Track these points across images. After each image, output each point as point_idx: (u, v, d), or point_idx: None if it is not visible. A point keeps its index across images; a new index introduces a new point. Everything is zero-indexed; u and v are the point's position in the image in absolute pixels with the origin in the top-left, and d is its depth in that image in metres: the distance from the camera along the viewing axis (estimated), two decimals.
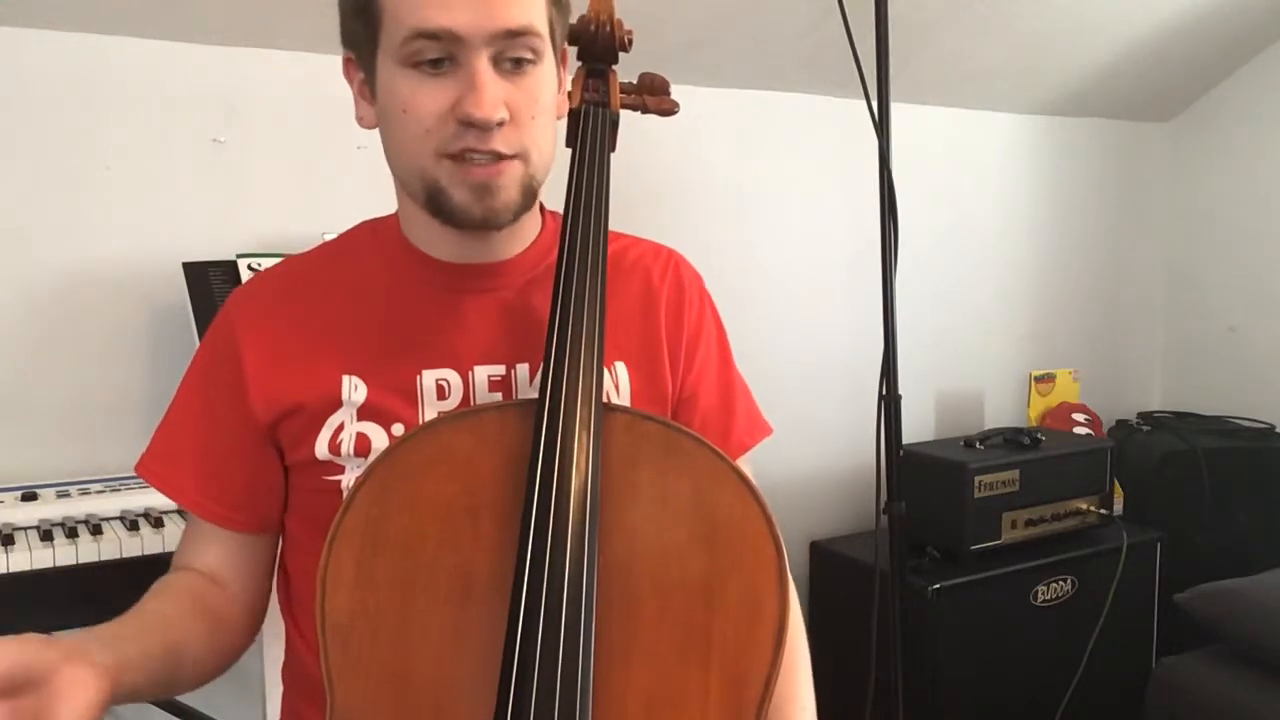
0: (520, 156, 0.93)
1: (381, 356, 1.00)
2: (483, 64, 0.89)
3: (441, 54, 0.89)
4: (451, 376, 1.00)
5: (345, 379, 0.98)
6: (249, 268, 1.89)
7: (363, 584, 0.82)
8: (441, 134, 0.90)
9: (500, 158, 0.91)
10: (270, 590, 1.09)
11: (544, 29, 0.93)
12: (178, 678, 0.93)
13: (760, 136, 2.75)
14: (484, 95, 0.88)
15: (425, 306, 1.02)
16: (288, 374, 0.99)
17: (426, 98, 0.90)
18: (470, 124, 0.89)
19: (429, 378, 0.99)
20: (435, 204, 0.94)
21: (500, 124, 0.89)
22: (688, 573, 0.85)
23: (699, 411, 1.10)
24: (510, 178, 0.92)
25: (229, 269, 1.90)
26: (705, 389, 1.11)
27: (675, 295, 1.11)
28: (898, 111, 1.99)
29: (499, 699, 0.78)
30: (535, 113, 0.93)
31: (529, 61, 0.92)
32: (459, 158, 0.91)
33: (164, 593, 0.98)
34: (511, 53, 0.91)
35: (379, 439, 0.97)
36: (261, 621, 1.07)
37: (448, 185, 0.92)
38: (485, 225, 0.94)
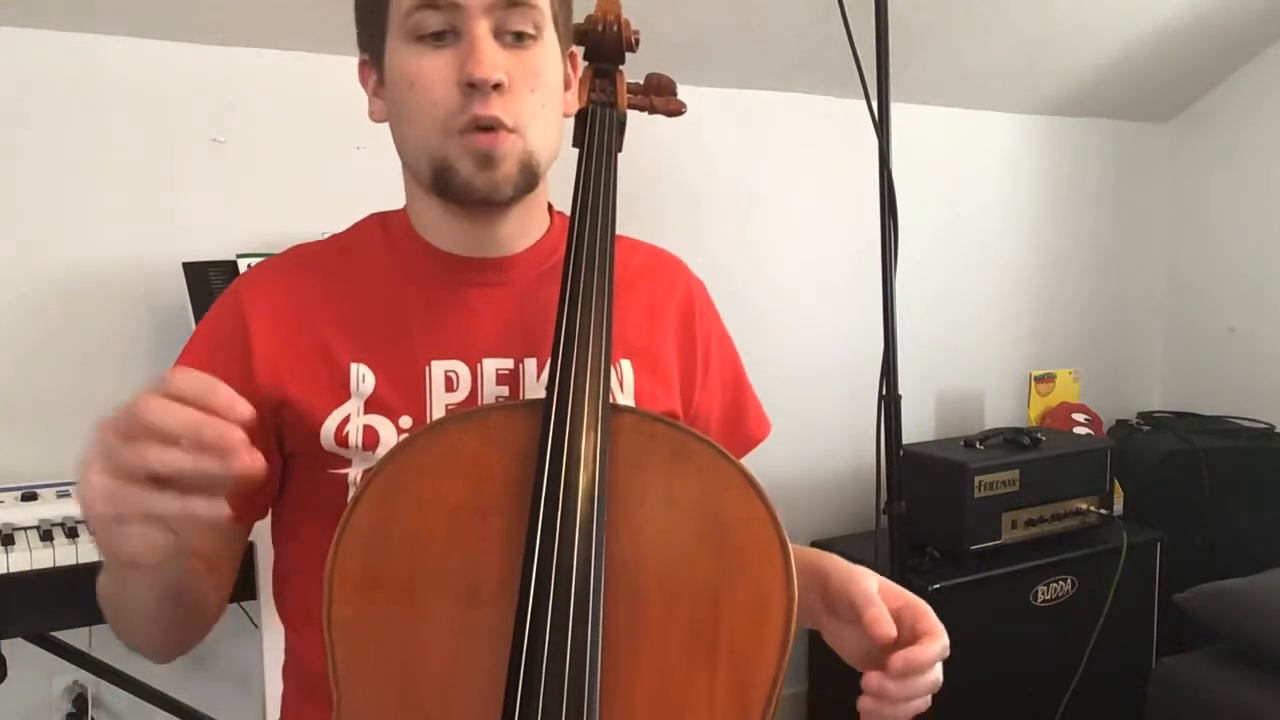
0: (517, 130, 0.94)
1: (389, 347, 0.99)
2: (482, 30, 0.92)
3: (443, 25, 0.92)
4: (460, 368, 1.00)
5: (354, 367, 0.98)
6: (249, 268, 1.89)
7: (370, 583, 0.82)
8: (448, 104, 0.92)
9: (500, 127, 0.93)
10: (233, 577, 1.07)
11: (544, 5, 0.95)
12: (176, 620, 0.95)
13: (760, 136, 2.75)
14: (483, 57, 0.91)
15: (434, 299, 1.02)
16: (295, 357, 0.98)
17: (432, 67, 0.93)
18: (472, 85, 0.91)
19: (437, 369, 0.99)
20: (442, 181, 0.95)
21: (498, 86, 0.91)
22: (695, 574, 0.85)
23: (715, 423, 1.13)
24: (509, 148, 0.94)
25: (229, 269, 1.90)
26: (719, 401, 1.14)
27: (685, 309, 1.12)
28: (898, 111, 2.00)
29: (506, 699, 0.78)
30: (534, 86, 0.95)
31: (529, 36, 0.94)
32: (466, 133, 0.93)
33: None
34: (510, 25, 0.93)
35: (387, 432, 0.97)
36: (220, 613, 1.05)
37: (455, 161, 0.94)
38: (487, 199, 0.95)
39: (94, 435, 0.68)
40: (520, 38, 0.94)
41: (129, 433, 0.67)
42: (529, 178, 0.96)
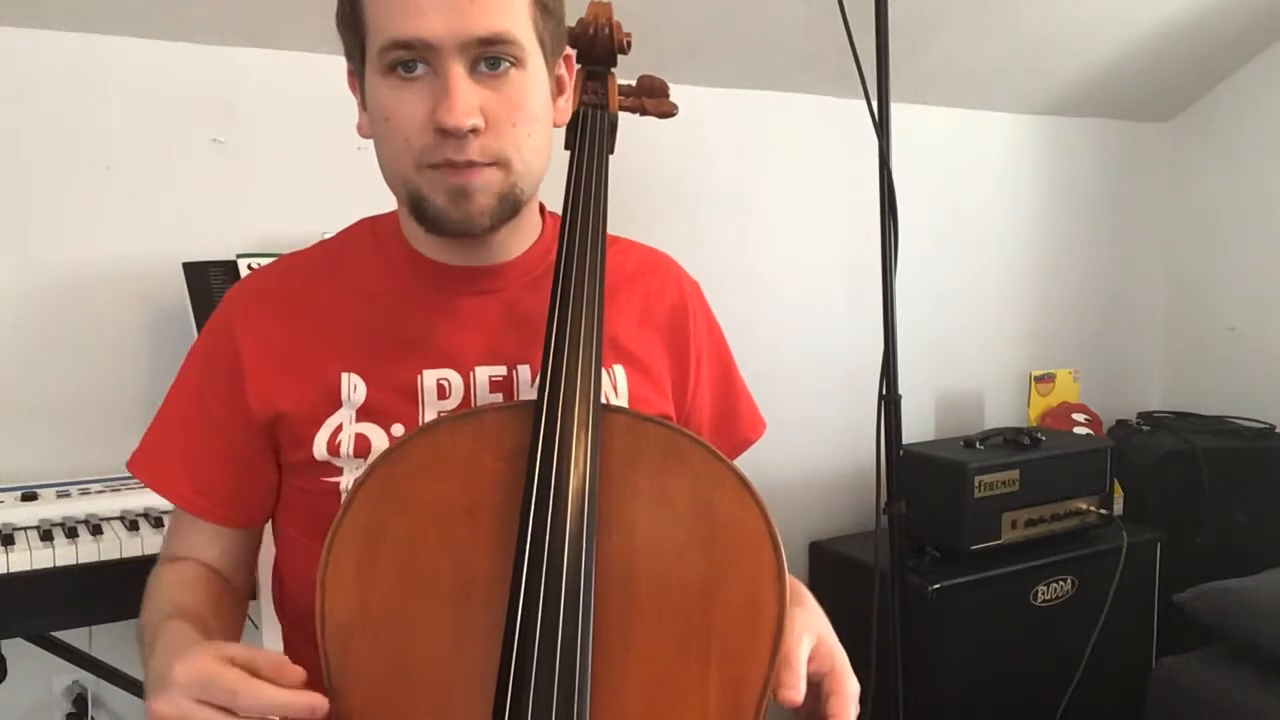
0: (499, 164, 0.92)
1: (381, 356, 1.00)
2: (456, 71, 0.89)
3: (415, 59, 0.90)
4: (452, 377, 1.00)
5: (345, 377, 0.98)
6: (249, 268, 1.89)
7: (363, 585, 0.82)
8: (421, 144, 0.91)
9: (474, 165, 0.91)
10: (253, 579, 1.09)
11: (523, 36, 0.92)
12: None
13: (760, 136, 2.75)
14: (456, 103, 0.88)
15: (425, 307, 1.02)
16: (287, 371, 0.99)
17: (405, 105, 0.91)
18: (445, 132, 0.89)
19: (430, 377, 0.99)
20: (419, 211, 0.94)
21: (474, 131, 0.89)
22: (686, 573, 0.85)
23: (707, 425, 1.13)
24: (485, 182, 0.92)
25: (229, 269, 1.90)
26: (712, 403, 1.15)
27: (679, 311, 1.12)
28: (898, 111, 1.99)
29: (497, 698, 0.78)
30: (517, 120, 0.92)
31: (509, 64, 0.91)
32: (438, 168, 0.91)
33: (192, 587, 0.99)
34: (488, 56, 0.91)
35: (379, 439, 0.98)
36: (246, 613, 1.08)
37: (429, 193, 0.92)
38: (464, 231, 0.94)
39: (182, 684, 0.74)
40: (497, 65, 0.91)
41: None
42: (510, 206, 0.95)
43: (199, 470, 1.01)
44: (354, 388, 0.98)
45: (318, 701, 0.75)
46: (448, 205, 0.92)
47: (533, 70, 0.94)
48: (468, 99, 0.89)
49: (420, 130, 0.90)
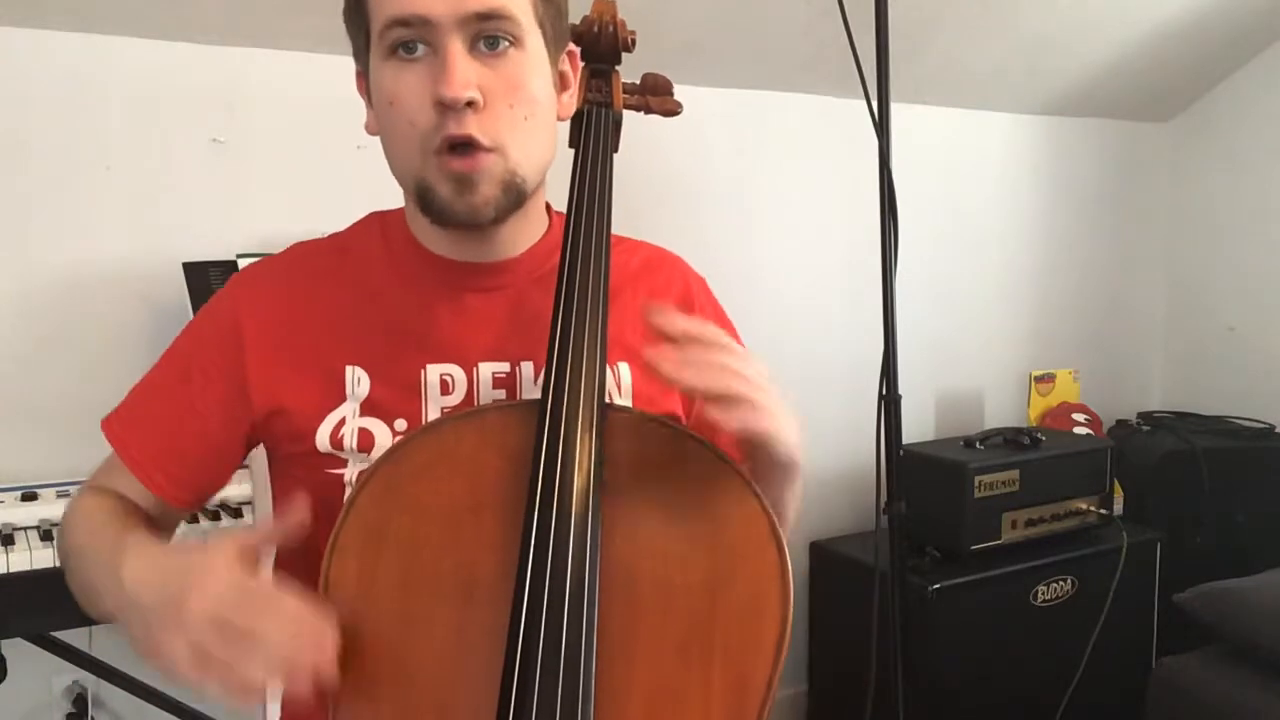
0: (498, 150, 0.92)
1: (385, 350, 1.00)
2: (454, 46, 0.89)
3: (414, 38, 0.90)
4: (456, 372, 1.00)
5: (349, 370, 0.98)
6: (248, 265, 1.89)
7: (366, 584, 0.82)
8: (426, 124, 0.91)
9: (477, 148, 0.91)
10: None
11: (521, 14, 0.92)
12: None
13: (760, 136, 2.75)
14: (453, 76, 0.88)
15: (430, 302, 1.02)
16: (291, 363, 0.99)
17: (407, 85, 0.91)
18: (443, 104, 0.89)
19: (433, 373, 0.99)
20: (424, 201, 0.94)
21: (471, 104, 0.89)
22: (690, 574, 0.85)
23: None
24: (487, 169, 0.92)
25: (229, 269, 1.90)
26: None
27: (685, 308, 1.11)
28: (898, 111, 1.99)
29: (501, 699, 0.78)
30: (513, 101, 0.92)
31: (508, 43, 0.92)
32: (442, 154, 0.91)
33: (135, 517, 0.99)
34: (486, 34, 0.91)
35: (382, 434, 0.97)
36: None
37: (434, 183, 0.92)
38: (469, 221, 0.94)
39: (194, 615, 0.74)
40: (495, 43, 0.91)
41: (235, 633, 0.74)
42: (513, 197, 0.95)
43: (165, 446, 1.01)
44: (358, 381, 0.98)
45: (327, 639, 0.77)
46: (452, 196, 0.92)
47: (532, 51, 0.94)
48: (465, 73, 0.89)
49: (422, 108, 0.90)
